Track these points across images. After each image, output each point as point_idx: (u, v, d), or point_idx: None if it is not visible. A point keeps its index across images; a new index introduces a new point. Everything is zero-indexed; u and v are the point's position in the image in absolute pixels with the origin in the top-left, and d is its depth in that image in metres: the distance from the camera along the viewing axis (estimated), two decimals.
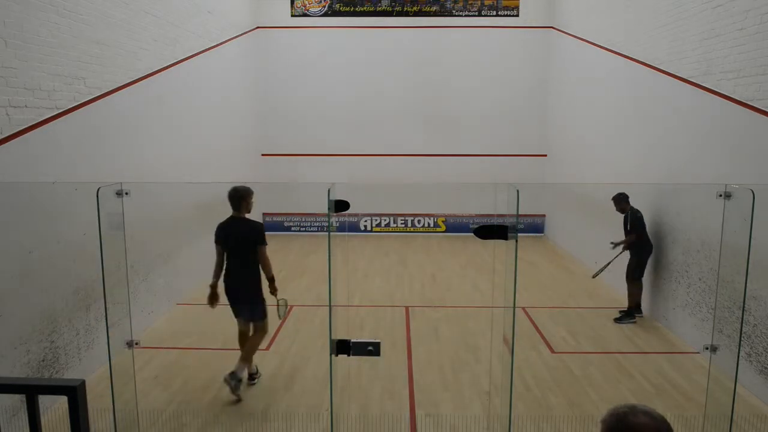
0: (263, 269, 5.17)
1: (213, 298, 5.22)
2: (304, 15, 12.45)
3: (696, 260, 6.32)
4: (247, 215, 5.21)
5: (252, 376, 5.39)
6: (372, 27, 12.46)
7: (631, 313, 7.12)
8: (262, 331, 5.33)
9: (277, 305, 5.24)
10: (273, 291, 5.24)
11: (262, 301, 5.27)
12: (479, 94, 12.61)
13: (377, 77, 12.61)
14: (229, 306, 5.32)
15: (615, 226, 8.61)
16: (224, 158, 9.96)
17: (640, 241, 7.06)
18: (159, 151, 7.29)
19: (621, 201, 7.21)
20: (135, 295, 6.31)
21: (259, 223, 5.41)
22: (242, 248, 5.16)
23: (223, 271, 5.26)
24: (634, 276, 7.11)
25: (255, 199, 5.30)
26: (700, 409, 4.72)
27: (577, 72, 10.72)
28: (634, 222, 7.05)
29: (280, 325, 6.91)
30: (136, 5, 6.62)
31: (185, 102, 8.16)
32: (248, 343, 5.29)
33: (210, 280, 5.27)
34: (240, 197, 5.16)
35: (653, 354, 6.16)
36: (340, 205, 3.37)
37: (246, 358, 5.20)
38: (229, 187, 5.27)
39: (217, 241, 5.24)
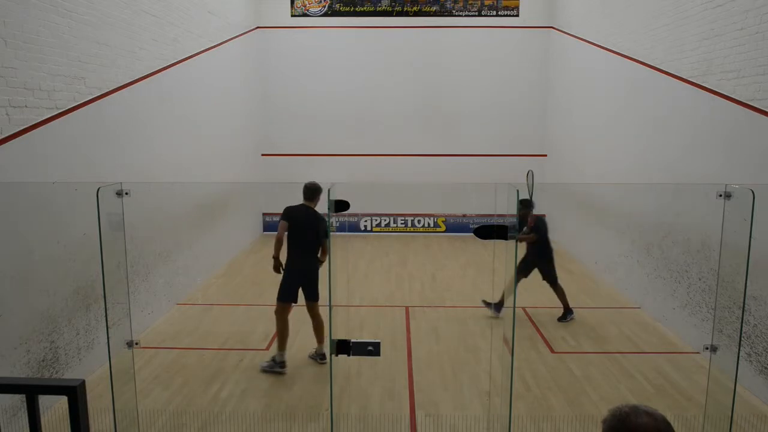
0: (321, 256, 5.84)
1: (278, 268, 5.74)
2: (304, 15, 12.45)
3: (696, 260, 6.32)
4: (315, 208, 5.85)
5: (324, 356, 5.92)
6: (372, 27, 12.46)
7: (570, 311, 7.21)
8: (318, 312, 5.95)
9: None
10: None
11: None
12: (479, 94, 12.61)
13: (377, 77, 12.61)
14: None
15: (615, 226, 8.63)
16: (224, 158, 9.96)
17: (544, 245, 7.14)
18: (159, 151, 7.29)
19: (527, 207, 7.17)
20: (135, 295, 6.31)
21: (324, 216, 5.86)
22: (310, 235, 5.71)
23: (288, 259, 5.74)
24: (553, 279, 7.20)
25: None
26: (700, 409, 4.72)
27: (577, 72, 10.72)
28: (539, 224, 7.12)
29: None
30: (136, 5, 6.62)
31: (185, 102, 8.16)
32: (320, 324, 5.93)
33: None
34: (316, 190, 5.80)
35: (653, 354, 6.16)
36: (340, 205, 3.38)
37: (322, 339, 5.93)
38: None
39: (285, 219, 5.70)
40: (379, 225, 12.99)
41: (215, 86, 9.55)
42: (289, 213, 5.74)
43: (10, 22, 4.51)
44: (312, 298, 5.86)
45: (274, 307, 5.79)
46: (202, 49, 8.83)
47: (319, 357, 5.94)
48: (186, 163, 8.14)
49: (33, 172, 4.78)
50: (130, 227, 4.16)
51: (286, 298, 5.76)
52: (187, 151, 8.21)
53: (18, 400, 4.35)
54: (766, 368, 5.10)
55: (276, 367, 5.66)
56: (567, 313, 7.19)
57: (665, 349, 6.32)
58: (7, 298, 4.46)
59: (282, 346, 5.74)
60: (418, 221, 12.95)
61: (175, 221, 7.76)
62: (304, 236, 5.70)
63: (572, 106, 10.96)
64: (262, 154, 12.61)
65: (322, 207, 5.90)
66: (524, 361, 5.89)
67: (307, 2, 12.41)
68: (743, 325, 5.04)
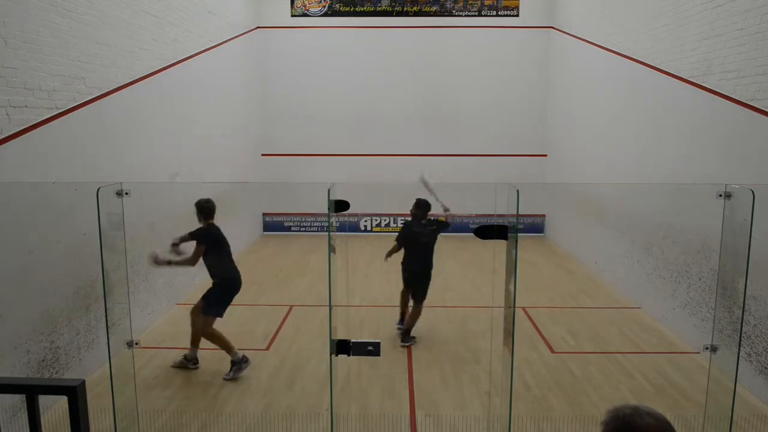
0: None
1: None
2: (304, 15, 12.45)
3: (696, 260, 6.32)
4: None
5: (196, 360, 5.79)
6: (372, 27, 12.46)
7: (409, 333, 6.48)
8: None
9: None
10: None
11: None
12: (479, 94, 12.61)
13: (377, 77, 12.61)
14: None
15: (615, 226, 8.63)
16: (224, 158, 9.96)
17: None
18: (159, 151, 7.29)
19: (421, 207, 6.98)
20: (135, 295, 6.31)
21: None
22: (228, 248, 5.79)
23: (224, 275, 5.71)
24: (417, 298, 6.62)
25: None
26: (700, 409, 4.72)
27: (577, 72, 10.72)
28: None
29: (280, 326, 6.92)
30: (136, 5, 6.61)
31: (185, 102, 8.16)
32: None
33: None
34: (214, 206, 5.71)
35: (653, 354, 6.16)
36: (340, 205, 3.38)
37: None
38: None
39: (209, 241, 5.61)
40: (379, 225, 12.98)
41: (215, 86, 9.54)
42: (219, 236, 5.69)
43: (10, 22, 4.51)
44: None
45: (202, 325, 5.60)
46: (202, 49, 8.83)
47: (191, 363, 5.74)
48: (186, 163, 8.14)
49: (33, 172, 4.78)
50: (130, 227, 4.16)
51: (219, 312, 5.64)
52: (187, 151, 8.21)
53: (18, 400, 4.34)
54: (766, 368, 5.10)
55: (242, 366, 5.55)
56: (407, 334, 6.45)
57: (665, 349, 6.32)
58: (7, 298, 4.46)
59: (230, 348, 5.57)
60: None
61: (175, 221, 7.75)
62: (229, 252, 5.80)
63: (572, 106, 10.96)
64: (262, 154, 12.61)
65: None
66: (524, 361, 5.90)
67: (307, 2, 12.41)
68: (743, 325, 5.03)
